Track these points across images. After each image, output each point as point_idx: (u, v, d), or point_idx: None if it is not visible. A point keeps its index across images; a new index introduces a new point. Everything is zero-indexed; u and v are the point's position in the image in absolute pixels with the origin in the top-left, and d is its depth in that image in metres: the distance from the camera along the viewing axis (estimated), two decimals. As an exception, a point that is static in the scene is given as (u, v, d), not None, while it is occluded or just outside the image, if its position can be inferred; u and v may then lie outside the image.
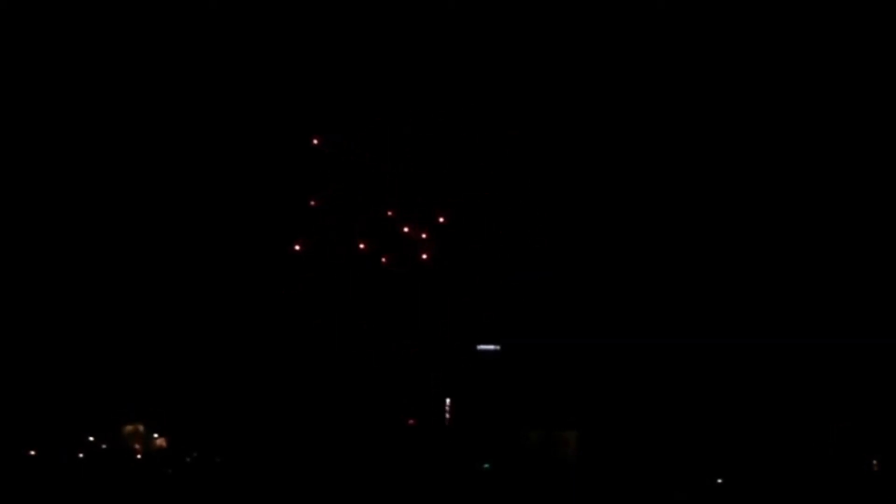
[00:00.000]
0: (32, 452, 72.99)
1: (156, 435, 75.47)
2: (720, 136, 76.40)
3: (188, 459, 74.43)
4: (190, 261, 75.68)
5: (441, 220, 73.69)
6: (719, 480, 71.05)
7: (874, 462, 72.15)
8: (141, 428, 75.29)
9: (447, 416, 73.59)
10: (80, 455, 73.81)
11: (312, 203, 73.59)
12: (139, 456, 74.59)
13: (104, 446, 74.52)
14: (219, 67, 76.70)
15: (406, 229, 73.34)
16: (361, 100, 74.91)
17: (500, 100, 75.27)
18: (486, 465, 72.60)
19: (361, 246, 73.52)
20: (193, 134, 76.50)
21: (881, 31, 74.74)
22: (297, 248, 73.01)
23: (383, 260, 73.58)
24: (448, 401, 73.64)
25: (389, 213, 73.66)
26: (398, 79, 75.18)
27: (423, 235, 73.59)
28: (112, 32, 76.37)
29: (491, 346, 74.35)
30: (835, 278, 74.89)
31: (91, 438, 74.45)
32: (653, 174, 76.35)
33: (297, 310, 73.50)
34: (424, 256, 72.79)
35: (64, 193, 76.26)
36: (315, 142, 73.44)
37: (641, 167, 76.39)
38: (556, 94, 76.58)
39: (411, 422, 74.21)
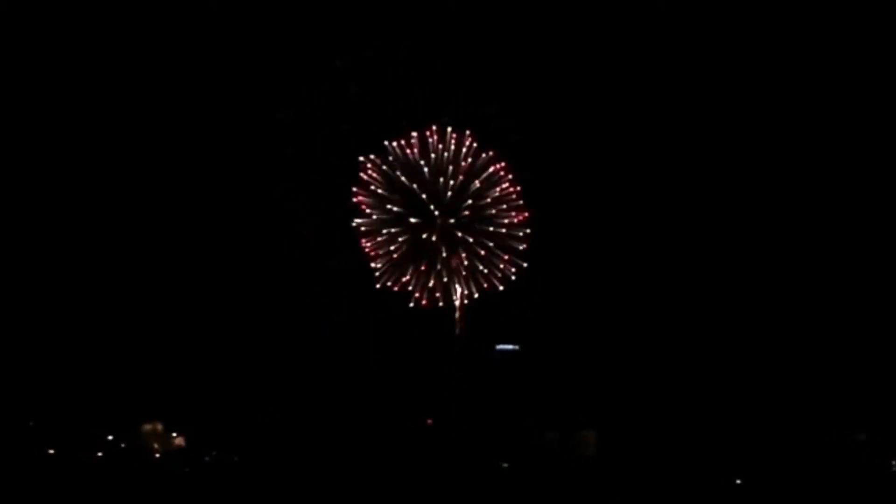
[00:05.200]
0: (52, 451, 73.34)
1: (174, 434, 75.67)
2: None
3: (206, 458, 74.57)
4: (211, 265, 76.40)
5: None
6: (738, 481, 70.72)
7: (893, 463, 71.99)
8: (160, 427, 75.47)
9: (466, 415, 73.82)
10: (100, 454, 74.05)
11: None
12: (158, 455, 74.72)
13: (123, 445, 74.72)
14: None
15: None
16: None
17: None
18: (505, 465, 72.52)
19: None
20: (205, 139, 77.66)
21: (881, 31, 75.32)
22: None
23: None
24: (466, 400, 73.88)
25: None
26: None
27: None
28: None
29: (510, 346, 74.48)
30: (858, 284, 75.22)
31: (110, 437, 74.74)
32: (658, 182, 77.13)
33: (317, 312, 74.22)
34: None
35: (93, 200, 77.69)
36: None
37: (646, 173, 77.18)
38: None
39: (430, 421, 74.34)
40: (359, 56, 75.30)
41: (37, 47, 76.18)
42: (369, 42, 75.35)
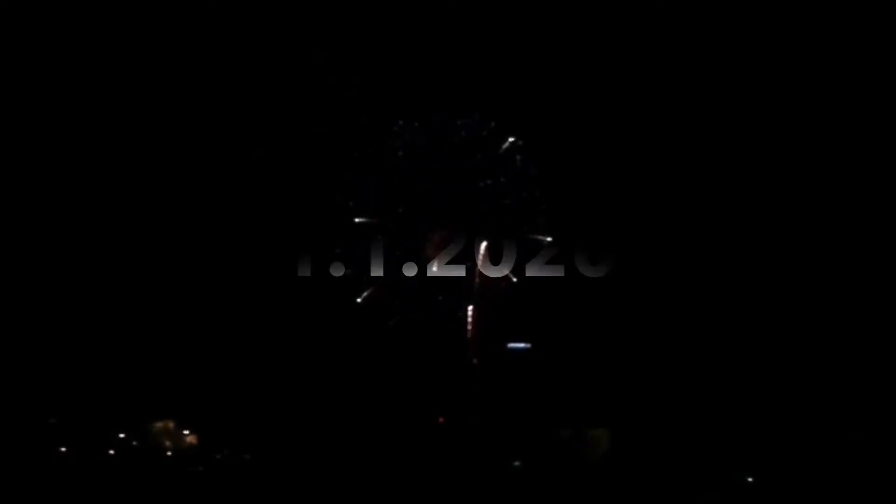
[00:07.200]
0: (63, 449, 73.43)
1: (186, 432, 75.71)
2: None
3: (218, 457, 74.69)
4: (224, 263, 76.35)
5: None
6: (749, 479, 70.99)
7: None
8: (171, 425, 75.50)
9: (477, 413, 73.94)
10: (111, 452, 74.12)
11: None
12: (169, 453, 74.80)
13: (134, 443, 74.79)
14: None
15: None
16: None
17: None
18: (517, 463, 72.72)
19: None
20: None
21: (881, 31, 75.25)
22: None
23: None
24: (478, 398, 74.01)
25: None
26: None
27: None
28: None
29: (521, 345, 74.48)
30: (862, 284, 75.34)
31: (121, 435, 74.79)
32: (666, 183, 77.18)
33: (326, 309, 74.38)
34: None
35: (100, 197, 77.60)
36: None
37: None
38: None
39: (441, 420, 74.51)
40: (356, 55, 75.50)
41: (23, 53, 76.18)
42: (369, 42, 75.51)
